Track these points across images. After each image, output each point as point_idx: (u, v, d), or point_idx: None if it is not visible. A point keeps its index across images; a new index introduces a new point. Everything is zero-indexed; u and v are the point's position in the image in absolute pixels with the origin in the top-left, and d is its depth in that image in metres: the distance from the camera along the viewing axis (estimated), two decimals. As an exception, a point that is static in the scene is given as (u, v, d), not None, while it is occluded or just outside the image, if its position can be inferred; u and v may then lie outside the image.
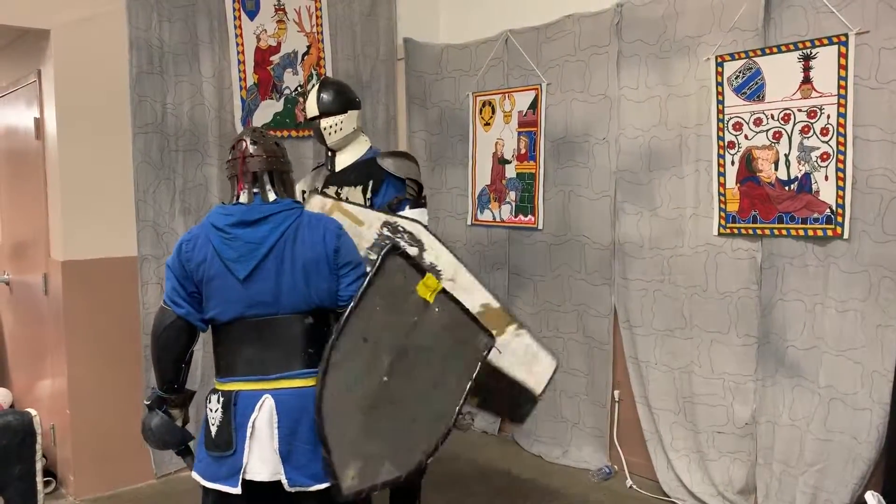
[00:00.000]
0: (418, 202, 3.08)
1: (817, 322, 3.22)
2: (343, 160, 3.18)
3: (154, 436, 2.40)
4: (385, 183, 3.07)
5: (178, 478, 4.04)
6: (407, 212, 2.96)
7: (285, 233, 2.25)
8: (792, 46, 3.20)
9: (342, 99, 3.14)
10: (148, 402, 2.41)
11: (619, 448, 4.06)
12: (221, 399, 2.26)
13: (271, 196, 2.31)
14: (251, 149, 2.32)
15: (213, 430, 2.26)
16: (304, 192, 3.22)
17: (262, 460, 2.21)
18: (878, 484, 3.07)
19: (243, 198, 2.29)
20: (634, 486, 3.89)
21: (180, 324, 2.29)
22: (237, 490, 2.21)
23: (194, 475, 2.33)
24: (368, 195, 3.06)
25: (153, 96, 3.88)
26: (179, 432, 2.39)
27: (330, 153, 3.20)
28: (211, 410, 2.28)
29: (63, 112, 3.72)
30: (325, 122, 3.13)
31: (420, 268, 2.29)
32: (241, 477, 2.20)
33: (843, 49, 3.05)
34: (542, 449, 4.34)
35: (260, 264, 2.22)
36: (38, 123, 3.91)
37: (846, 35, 3.03)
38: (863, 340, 3.08)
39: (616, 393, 4.06)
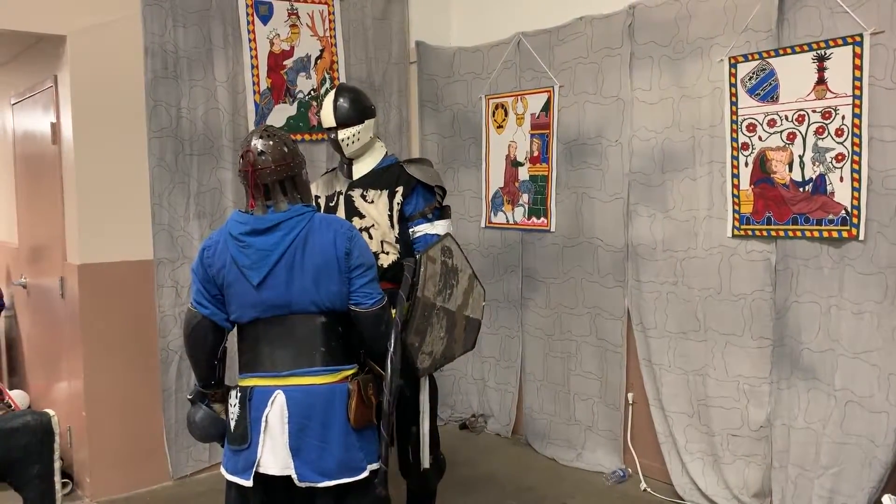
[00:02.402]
0: (444, 210, 3.16)
1: (833, 324, 3.20)
2: (361, 168, 3.16)
3: (197, 429, 2.50)
4: (415, 192, 3.09)
5: (194, 480, 4.07)
6: (437, 226, 3.09)
7: (296, 239, 2.29)
8: (806, 47, 3.18)
9: (359, 108, 3.08)
10: (190, 398, 2.53)
11: (633, 451, 4.05)
12: (239, 394, 2.36)
13: (284, 206, 2.34)
14: (259, 160, 2.31)
15: (232, 424, 2.37)
16: (316, 196, 3.23)
17: (273, 454, 2.29)
18: (895, 487, 3.05)
19: (257, 211, 2.34)
20: (649, 490, 3.88)
21: (206, 324, 2.39)
22: (249, 483, 2.30)
23: (221, 468, 2.44)
24: (398, 200, 3.07)
25: (168, 101, 3.91)
26: (222, 425, 2.47)
27: (347, 161, 3.18)
28: (231, 406, 2.39)
29: (79, 117, 3.75)
30: (342, 134, 3.07)
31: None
32: (253, 470, 2.29)
33: (857, 49, 3.02)
34: (555, 452, 4.34)
35: (272, 271, 2.29)
36: (55, 128, 3.95)
37: (861, 35, 3.01)
38: (879, 343, 3.06)
39: (630, 396, 4.04)
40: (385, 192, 3.08)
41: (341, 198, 3.14)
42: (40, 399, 4.64)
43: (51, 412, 2.78)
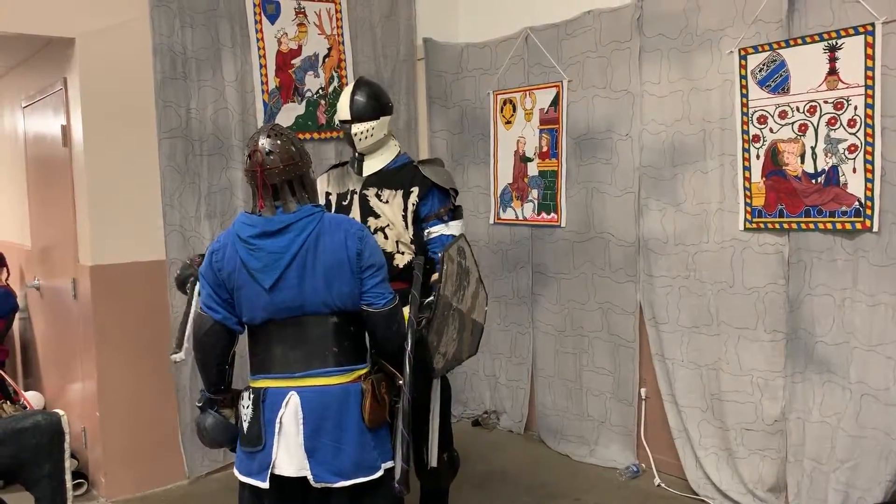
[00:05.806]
0: (457, 211, 3.17)
1: (847, 317, 3.17)
2: (372, 164, 3.15)
3: (208, 435, 2.48)
4: (431, 194, 3.10)
5: (209, 479, 4.08)
6: (451, 227, 3.11)
7: (307, 240, 2.28)
8: (817, 37, 3.15)
9: (375, 105, 3.09)
10: (199, 405, 2.50)
11: (646, 446, 4.03)
12: (252, 396, 2.35)
13: (293, 206, 2.32)
14: (268, 160, 2.30)
15: (245, 426, 2.35)
16: (327, 193, 3.23)
17: (288, 455, 2.28)
18: (912, 481, 3.03)
19: (266, 212, 2.32)
20: (663, 485, 3.86)
21: (218, 328, 2.37)
22: (265, 485, 2.29)
23: (234, 470, 2.42)
24: (413, 201, 3.07)
25: (177, 101, 3.92)
26: (232, 431, 2.45)
27: (358, 156, 3.18)
28: (243, 407, 2.38)
29: (89, 119, 3.77)
30: (356, 128, 3.08)
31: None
32: (269, 472, 2.28)
33: (869, 38, 2.99)
34: (568, 448, 4.33)
35: (284, 273, 2.27)
36: (65, 130, 3.97)
37: (872, 24, 2.98)
38: (894, 335, 3.03)
39: (643, 391, 4.03)
40: (399, 193, 3.08)
41: (355, 197, 3.14)
42: (55, 400, 4.67)
43: (60, 412, 2.80)
